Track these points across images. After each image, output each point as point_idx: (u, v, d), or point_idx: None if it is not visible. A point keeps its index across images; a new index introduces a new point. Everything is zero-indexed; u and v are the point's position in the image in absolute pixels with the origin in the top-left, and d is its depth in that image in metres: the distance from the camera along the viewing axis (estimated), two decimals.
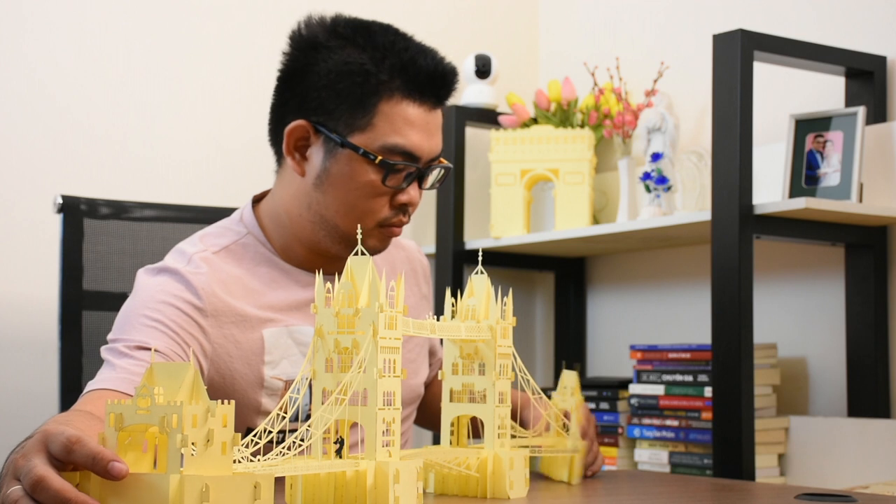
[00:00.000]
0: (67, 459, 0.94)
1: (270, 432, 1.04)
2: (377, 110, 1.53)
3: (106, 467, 0.91)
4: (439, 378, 1.39)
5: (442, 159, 1.62)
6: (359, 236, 1.21)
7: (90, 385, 1.44)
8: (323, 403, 1.11)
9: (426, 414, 1.89)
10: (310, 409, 1.55)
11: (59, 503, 0.91)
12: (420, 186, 1.59)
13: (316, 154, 1.57)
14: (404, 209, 1.58)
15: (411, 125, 1.54)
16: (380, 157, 1.52)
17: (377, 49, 1.55)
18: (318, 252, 1.62)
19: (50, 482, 0.92)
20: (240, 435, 0.95)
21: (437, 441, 2.77)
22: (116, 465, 0.90)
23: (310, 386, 1.55)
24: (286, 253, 1.63)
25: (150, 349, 1.44)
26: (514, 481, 1.32)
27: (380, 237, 1.59)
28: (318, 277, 1.16)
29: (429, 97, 1.56)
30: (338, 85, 1.54)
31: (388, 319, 1.12)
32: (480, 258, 1.43)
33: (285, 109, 1.60)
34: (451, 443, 1.37)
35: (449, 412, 1.36)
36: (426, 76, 1.55)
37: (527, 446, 1.45)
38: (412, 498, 1.11)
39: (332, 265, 1.63)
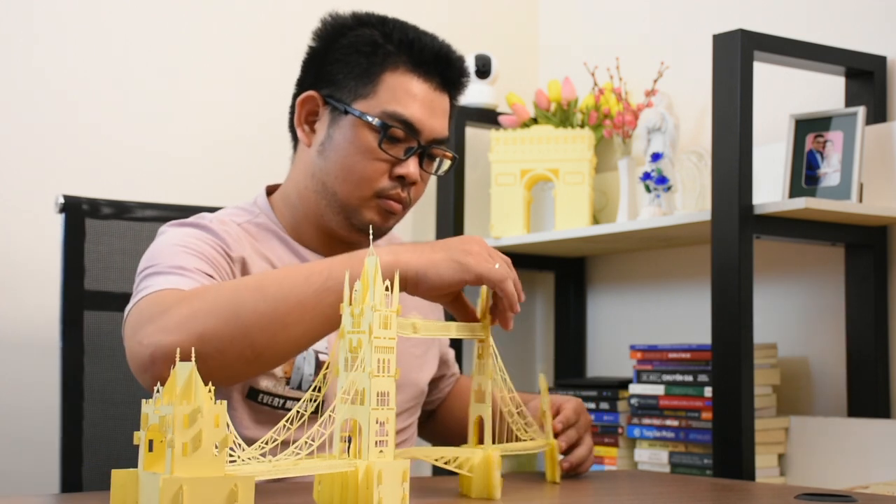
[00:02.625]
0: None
1: (278, 437, 1.05)
2: (381, 80, 1.58)
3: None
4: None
5: (446, 150, 1.64)
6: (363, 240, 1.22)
7: (149, 289, 1.41)
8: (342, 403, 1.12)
9: (441, 430, 1.91)
10: (313, 380, 1.56)
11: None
12: (421, 166, 1.61)
13: (322, 124, 1.62)
14: (403, 183, 1.60)
15: (413, 98, 1.58)
16: (377, 119, 1.56)
17: (387, 26, 1.62)
18: (325, 231, 1.65)
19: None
20: (230, 436, 0.95)
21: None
22: None
23: (316, 357, 1.57)
24: (297, 234, 1.66)
25: (208, 275, 1.45)
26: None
27: (377, 210, 1.60)
28: (346, 278, 1.16)
29: (434, 75, 1.61)
30: (348, 58, 1.60)
31: (381, 319, 1.12)
32: None
33: (302, 88, 1.66)
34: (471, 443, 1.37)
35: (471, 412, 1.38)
36: (431, 53, 1.61)
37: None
38: (396, 498, 1.11)
39: (339, 250, 1.63)
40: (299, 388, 1.57)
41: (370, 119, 1.57)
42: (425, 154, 1.62)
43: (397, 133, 1.57)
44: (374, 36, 1.60)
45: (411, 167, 1.59)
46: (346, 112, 1.59)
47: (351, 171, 1.58)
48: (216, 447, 0.93)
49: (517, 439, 1.44)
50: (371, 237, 1.21)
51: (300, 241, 1.66)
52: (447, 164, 1.67)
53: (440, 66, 1.62)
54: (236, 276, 1.53)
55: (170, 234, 1.55)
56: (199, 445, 0.92)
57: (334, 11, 1.66)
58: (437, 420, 1.90)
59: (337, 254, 1.64)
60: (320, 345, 1.59)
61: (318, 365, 1.58)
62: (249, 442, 1.58)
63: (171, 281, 1.42)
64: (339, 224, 1.62)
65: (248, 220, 1.65)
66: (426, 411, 1.88)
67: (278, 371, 1.56)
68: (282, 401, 1.56)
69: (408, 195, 1.62)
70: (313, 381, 1.57)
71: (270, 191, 1.72)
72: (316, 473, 1.07)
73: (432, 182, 2.94)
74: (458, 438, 1.90)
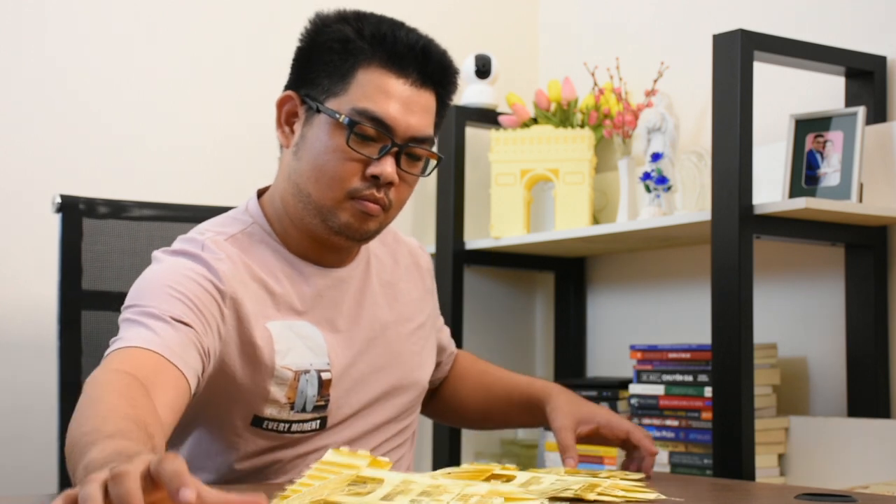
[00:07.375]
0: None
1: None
2: (354, 77, 1.54)
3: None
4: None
5: (428, 149, 1.59)
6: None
7: (121, 342, 1.38)
8: None
9: (442, 410, 1.93)
10: (316, 401, 1.55)
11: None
12: (399, 165, 1.55)
13: (299, 124, 1.59)
14: (377, 183, 1.54)
15: (386, 95, 1.53)
16: (344, 116, 1.52)
17: (362, 22, 1.57)
18: (309, 235, 1.61)
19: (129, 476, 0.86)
20: None
21: (454, 436, 2.76)
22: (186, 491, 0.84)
23: (318, 377, 1.56)
24: (287, 240, 1.62)
25: (185, 323, 1.42)
26: None
27: (352, 211, 1.55)
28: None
29: (410, 70, 1.55)
30: (323, 56, 1.56)
31: None
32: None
33: (286, 89, 1.63)
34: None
35: None
36: (405, 47, 1.55)
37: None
38: None
39: (329, 254, 1.62)
40: (304, 410, 1.56)
41: (338, 117, 1.52)
42: (403, 153, 1.56)
43: (367, 131, 1.52)
44: (347, 32, 1.55)
45: (386, 167, 1.53)
46: (319, 111, 1.55)
47: (322, 171, 1.54)
48: None
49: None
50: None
51: (291, 248, 1.62)
52: (433, 163, 1.61)
53: (416, 60, 1.55)
54: (224, 313, 1.50)
55: (163, 266, 1.52)
56: None
57: (321, 10, 1.62)
58: (440, 399, 1.91)
59: (327, 259, 1.63)
60: (322, 363, 1.58)
61: (321, 384, 1.57)
62: (256, 468, 1.58)
63: (143, 337, 1.38)
64: (317, 227, 1.58)
65: (241, 230, 1.61)
66: (428, 391, 1.87)
67: (282, 398, 1.54)
68: (287, 424, 1.56)
69: (385, 196, 1.55)
70: (317, 401, 1.57)
71: (261, 193, 1.69)
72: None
73: (431, 182, 2.93)
74: (458, 418, 1.94)
